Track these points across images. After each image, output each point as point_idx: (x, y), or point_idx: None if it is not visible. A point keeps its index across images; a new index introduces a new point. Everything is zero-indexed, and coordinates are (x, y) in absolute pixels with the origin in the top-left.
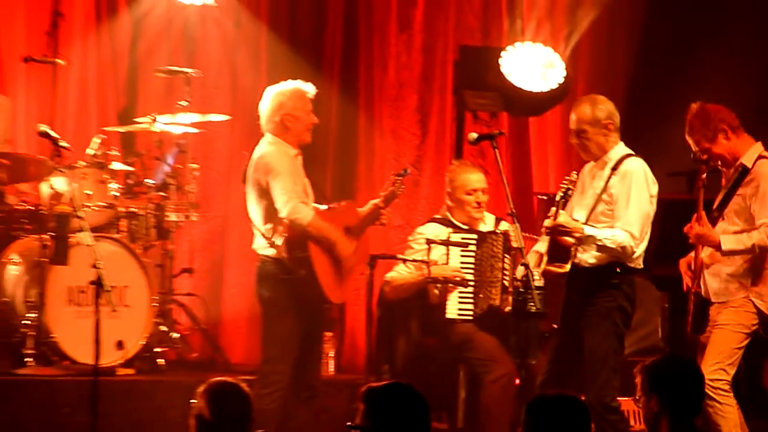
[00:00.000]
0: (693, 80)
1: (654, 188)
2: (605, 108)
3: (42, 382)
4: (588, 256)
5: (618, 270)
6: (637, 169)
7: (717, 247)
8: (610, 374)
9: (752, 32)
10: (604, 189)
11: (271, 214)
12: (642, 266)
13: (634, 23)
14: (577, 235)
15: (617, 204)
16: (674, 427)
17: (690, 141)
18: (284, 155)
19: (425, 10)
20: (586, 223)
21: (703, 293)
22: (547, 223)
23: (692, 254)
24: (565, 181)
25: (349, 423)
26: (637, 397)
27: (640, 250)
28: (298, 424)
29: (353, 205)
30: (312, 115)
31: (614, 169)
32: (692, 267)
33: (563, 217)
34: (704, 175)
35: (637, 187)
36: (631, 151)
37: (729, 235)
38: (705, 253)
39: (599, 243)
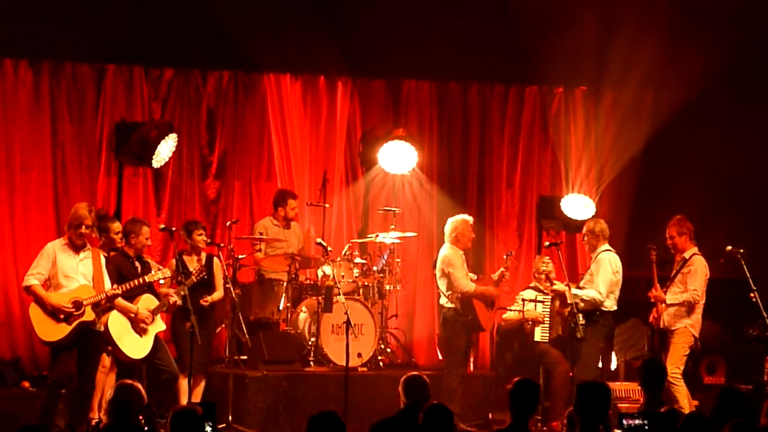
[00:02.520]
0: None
1: (616, 267)
2: (600, 226)
3: (318, 375)
4: (580, 303)
5: (597, 312)
6: (606, 258)
7: (664, 302)
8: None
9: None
10: (590, 268)
11: (450, 285)
12: (615, 308)
13: (631, 180)
14: (568, 296)
15: (594, 276)
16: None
17: (668, 231)
18: (457, 255)
19: (521, 176)
20: (578, 287)
21: (661, 326)
22: (554, 287)
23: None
24: (544, 262)
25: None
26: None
27: (608, 301)
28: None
29: (488, 275)
30: (472, 233)
31: (596, 257)
32: (655, 311)
33: (557, 286)
34: (653, 255)
35: (604, 267)
36: (609, 248)
37: (671, 295)
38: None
39: (580, 298)
